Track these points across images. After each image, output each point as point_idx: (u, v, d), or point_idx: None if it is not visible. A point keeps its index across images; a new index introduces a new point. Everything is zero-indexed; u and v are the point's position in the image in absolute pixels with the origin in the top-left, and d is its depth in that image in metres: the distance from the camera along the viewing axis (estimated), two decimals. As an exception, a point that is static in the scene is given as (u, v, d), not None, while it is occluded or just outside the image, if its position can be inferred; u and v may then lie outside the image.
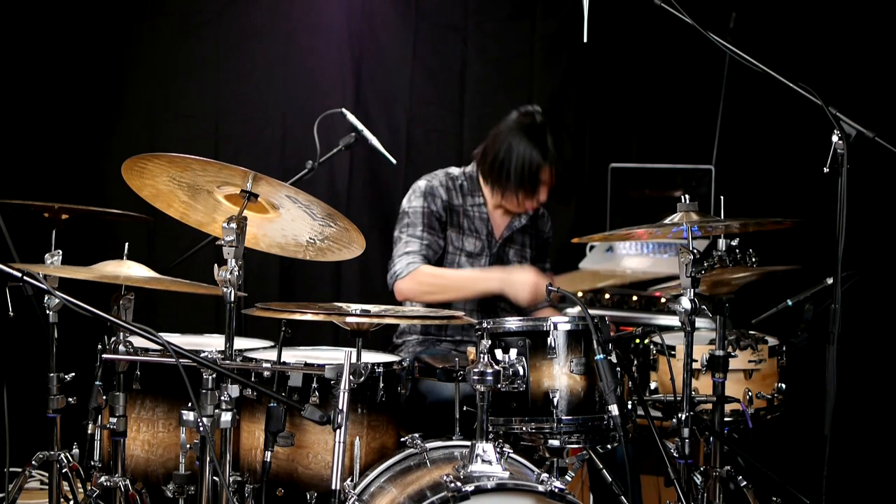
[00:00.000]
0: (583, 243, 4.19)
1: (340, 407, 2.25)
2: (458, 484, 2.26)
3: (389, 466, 2.59)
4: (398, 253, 3.42)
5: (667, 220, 2.76)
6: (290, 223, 2.55)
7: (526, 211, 3.51)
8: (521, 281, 3.28)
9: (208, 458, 2.22)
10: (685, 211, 2.74)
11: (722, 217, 2.89)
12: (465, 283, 3.39)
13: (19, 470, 2.92)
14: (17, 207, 3.12)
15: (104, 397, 2.73)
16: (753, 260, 2.96)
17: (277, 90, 4.69)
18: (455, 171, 3.57)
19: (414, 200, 3.46)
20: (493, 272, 3.42)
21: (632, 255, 4.04)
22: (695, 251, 2.62)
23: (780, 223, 2.81)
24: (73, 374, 2.87)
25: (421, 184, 3.50)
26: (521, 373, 2.58)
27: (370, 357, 2.90)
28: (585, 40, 2.60)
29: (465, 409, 2.71)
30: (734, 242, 3.02)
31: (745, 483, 2.95)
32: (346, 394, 2.27)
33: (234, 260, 2.27)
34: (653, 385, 3.20)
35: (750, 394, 3.12)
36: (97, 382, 2.75)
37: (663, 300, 3.84)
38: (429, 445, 2.59)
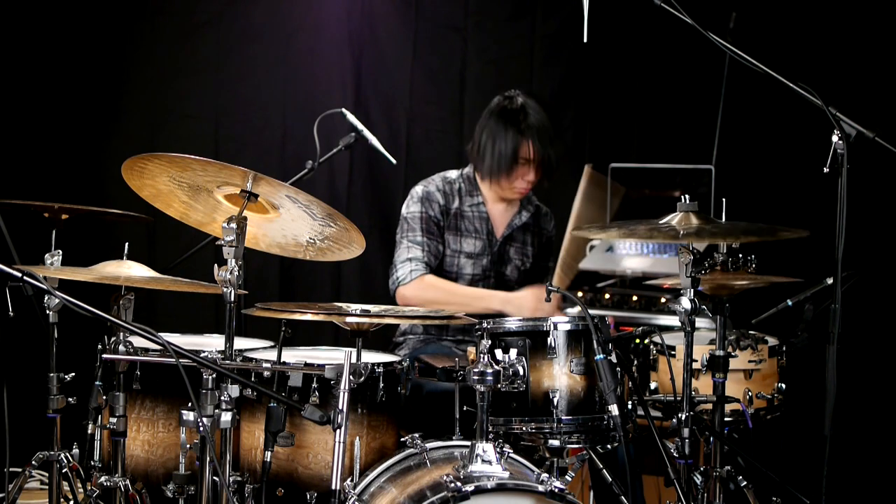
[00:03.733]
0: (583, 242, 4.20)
1: (340, 407, 2.25)
2: (458, 484, 2.26)
3: (389, 466, 2.59)
4: (400, 258, 3.43)
5: (666, 220, 2.76)
6: (290, 223, 2.55)
7: (521, 194, 3.49)
8: (521, 297, 3.34)
9: (208, 458, 2.22)
10: (685, 211, 2.74)
11: (723, 219, 2.89)
12: (468, 300, 3.41)
13: (19, 470, 2.92)
14: (17, 207, 3.12)
15: (104, 397, 2.73)
16: (752, 267, 2.96)
17: (277, 90, 4.69)
18: (452, 174, 3.58)
19: (412, 206, 3.48)
20: (496, 293, 3.45)
21: (632, 255, 4.04)
22: (695, 251, 2.62)
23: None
24: (73, 374, 2.87)
25: (417, 189, 3.52)
26: (521, 373, 2.58)
27: (370, 357, 2.90)
28: (585, 40, 2.59)
29: (465, 409, 2.71)
30: (735, 245, 3.02)
31: (745, 483, 2.95)
32: (346, 394, 2.27)
33: (234, 260, 2.27)
34: (653, 385, 3.20)
35: (750, 394, 3.12)
36: (97, 382, 2.75)
37: (663, 300, 3.84)
38: (429, 445, 2.59)
